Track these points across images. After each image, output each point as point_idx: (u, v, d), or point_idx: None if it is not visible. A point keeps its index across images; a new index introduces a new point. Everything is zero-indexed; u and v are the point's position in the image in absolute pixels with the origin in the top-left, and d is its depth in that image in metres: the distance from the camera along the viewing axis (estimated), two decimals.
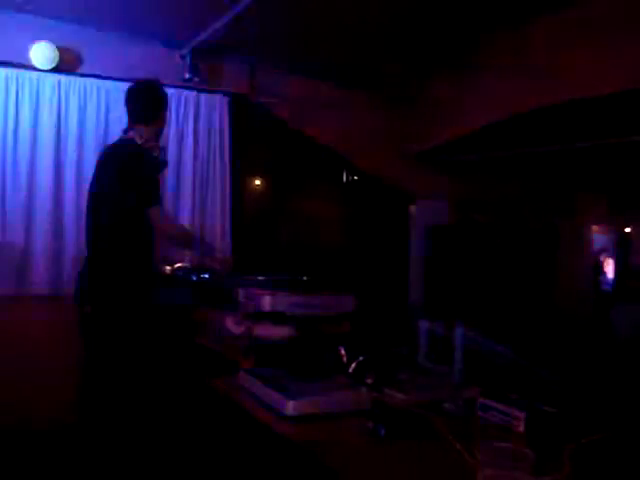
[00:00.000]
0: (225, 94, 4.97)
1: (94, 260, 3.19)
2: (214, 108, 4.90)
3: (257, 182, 5.57)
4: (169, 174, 4.65)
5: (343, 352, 2.20)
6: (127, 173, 3.10)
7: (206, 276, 3.36)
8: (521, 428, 1.87)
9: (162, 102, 3.42)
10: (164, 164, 3.50)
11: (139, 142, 3.20)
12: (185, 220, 4.70)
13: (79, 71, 4.42)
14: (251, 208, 5.35)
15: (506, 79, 4.49)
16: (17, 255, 4.19)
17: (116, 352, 3.04)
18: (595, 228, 7.38)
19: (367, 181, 5.88)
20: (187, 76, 4.69)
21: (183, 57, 4.73)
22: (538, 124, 4.54)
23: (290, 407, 1.92)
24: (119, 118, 4.44)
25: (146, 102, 3.34)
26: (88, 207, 3.30)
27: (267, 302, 2.24)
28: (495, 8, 4.00)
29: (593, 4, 3.77)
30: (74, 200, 4.30)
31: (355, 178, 5.90)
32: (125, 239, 3.10)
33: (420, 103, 5.53)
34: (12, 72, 4.18)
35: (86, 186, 3.47)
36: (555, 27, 4.04)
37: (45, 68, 4.23)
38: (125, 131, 3.33)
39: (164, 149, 3.55)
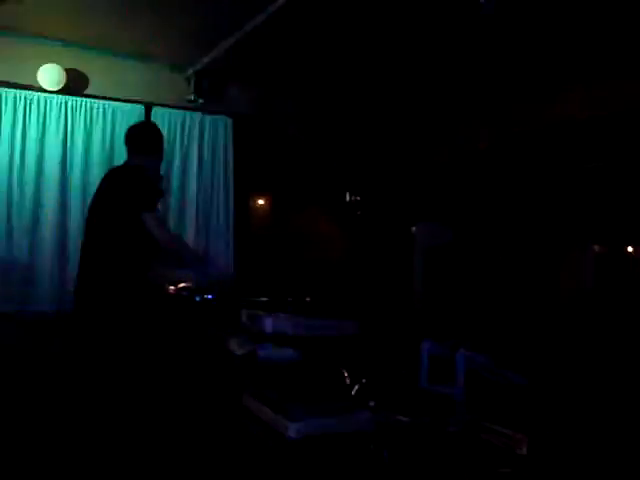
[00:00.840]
0: (228, 115, 5.02)
1: (88, 279, 3.24)
2: (218, 129, 4.95)
3: (261, 201, 5.60)
4: (173, 193, 4.70)
5: (346, 374, 2.21)
6: (122, 184, 3.22)
7: (209, 297, 3.37)
8: (524, 451, 1.88)
9: (160, 138, 3.57)
10: (161, 192, 3.63)
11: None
12: (189, 238, 4.72)
13: (86, 92, 4.48)
14: (255, 227, 5.38)
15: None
16: (22, 273, 4.22)
17: (115, 366, 3.06)
18: (596, 248, 7.38)
19: (370, 201, 5.90)
20: (191, 98, 4.75)
21: (188, 79, 4.79)
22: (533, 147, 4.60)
23: (292, 430, 1.93)
24: (124, 138, 4.52)
25: (146, 135, 3.52)
26: (85, 229, 3.38)
27: (270, 324, 2.26)
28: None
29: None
30: (79, 218, 4.32)
31: (357, 198, 5.93)
32: (119, 254, 3.15)
33: (418, 122, 5.59)
34: (20, 93, 4.24)
35: None
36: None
37: (52, 89, 4.29)
38: (125, 162, 3.49)
39: (162, 178, 3.71)
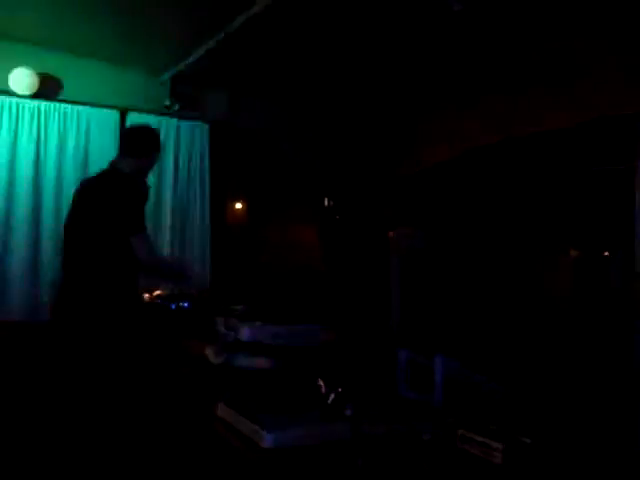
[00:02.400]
0: (205, 121, 4.99)
1: (73, 290, 3.16)
2: (194, 135, 4.91)
3: (238, 207, 5.58)
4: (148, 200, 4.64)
5: (321, 383, 2.19)
6: (113, 200, 3.09)
7: (185, 304, 3.34)
8: (499, 460, 1.87)
9: (157, 142, 3.47)
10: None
11: (127, 172, 3.24)
12: (164, 246, 4.68)
13: (59, 97, 4.42)
14: (232, 233, 5.35)
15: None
16: None
17: (95, 377, 3.01)
18: (573, 252, 7.46)
19: (347, 206, 5.90)
20: (167, 103, 4.71)
21: (164, 84, 4.75)
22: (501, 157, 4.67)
23: (267, 439, 1.91)
24: (99, 144, 4.48)
25: (142, 137, 3.41)
26: (66, 236, 3.28)
27: (245, 332, 2.24)
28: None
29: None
30: (52, 226, 4.27)
31: (335, 203, 5.92)
32: (106, 268, 3.08)
33: (395, 131, 5.62)
34: None
35: (64, 212, 3.49)
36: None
37: (25, 94, 4.22)
38: (113, 163, 3.36)
39: (148, 186, 3.60)
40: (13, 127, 4.23)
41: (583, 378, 3.62)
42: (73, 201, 3.35)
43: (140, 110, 4.68)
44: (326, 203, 5.88)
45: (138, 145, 3.34)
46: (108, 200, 3.10)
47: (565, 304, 4.84)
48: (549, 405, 2.43)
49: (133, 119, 4.62)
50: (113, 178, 3.23)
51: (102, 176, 3.31)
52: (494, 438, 1.91)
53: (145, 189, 3.30)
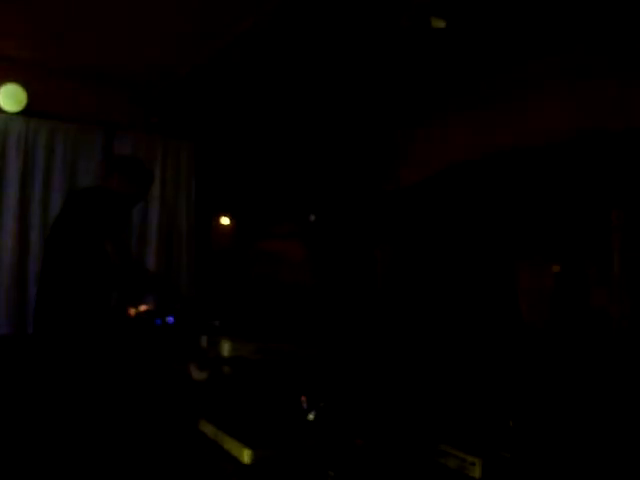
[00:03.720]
0: (190, 138, 5.01)
1: (48, 302, 3.20)
2: (180, 152, 4.94)
3: (225, 222, 5.60)
4: (135, 217, 4.66)
5: (304, 399, 2.22)
6: (85, 207, 3.18)
7: (171, 319, 3.35)
8: (477, 473, 1.91)
9: (149, 178, 3.57)
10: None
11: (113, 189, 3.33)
12: (150, 262, 4.70)
13: (47, 114, 4.43)
14: (218, 249, 5.37)
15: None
16: None
17: (72, 389, 3.02)
18: (555, 267, 7.50)
19: (334, 222, 5.94)
20: (153, 121, 4.75)
21: (150, 102, 4.78)
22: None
23: (247, 455, 1.93)
24: (85, 161, 4.50)
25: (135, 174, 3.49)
26: (46, 249, 3.34)
27: (228, 348, 2.27)
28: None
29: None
30: (39, 240, 4.27)
31: (322, 219, 5.96)
32: (80, 281, 3.12)
33: (386, 148, 5.68)
34: None
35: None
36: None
37: (13, 110, 4.25)
38: (102, 179, 3.45)
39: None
40: (1, 143, 4.25)
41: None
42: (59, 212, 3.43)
43: (126, 128, 4.70)
44: (311, 219, 5.92)
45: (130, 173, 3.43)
46: (88, 205, 3.19)
47: (545, 332, 4.86)
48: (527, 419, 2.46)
49: (119, 136, 4.65)
50: (92, 192, 3.36)
51: (78, 192, 3.47)
52: (472, 452, 1.94)
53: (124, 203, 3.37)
